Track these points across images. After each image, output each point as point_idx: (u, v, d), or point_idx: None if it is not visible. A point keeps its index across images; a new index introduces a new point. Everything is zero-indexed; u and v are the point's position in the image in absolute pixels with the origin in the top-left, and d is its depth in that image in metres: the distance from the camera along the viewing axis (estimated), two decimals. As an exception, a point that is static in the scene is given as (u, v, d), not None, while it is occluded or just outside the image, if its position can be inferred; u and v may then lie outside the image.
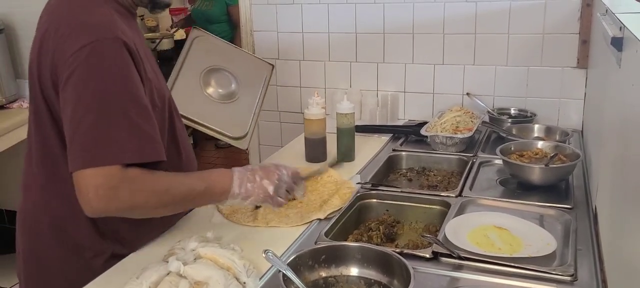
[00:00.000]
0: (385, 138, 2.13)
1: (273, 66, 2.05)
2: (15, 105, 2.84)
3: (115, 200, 1.10)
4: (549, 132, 2.04)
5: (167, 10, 4.57)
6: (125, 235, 1.30)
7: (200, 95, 1.80)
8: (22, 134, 2.65)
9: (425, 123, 2.09)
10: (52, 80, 1.15)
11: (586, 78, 2.13)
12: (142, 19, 5.43)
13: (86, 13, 1.15)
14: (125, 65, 1.12)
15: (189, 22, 4.94)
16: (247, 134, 1.82)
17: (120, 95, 1.11)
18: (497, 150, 1.70)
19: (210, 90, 1.83)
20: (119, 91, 1.11)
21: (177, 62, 1.81)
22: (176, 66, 1.79)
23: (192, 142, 4.64)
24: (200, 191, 1.23)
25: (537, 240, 1.28)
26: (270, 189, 1.31)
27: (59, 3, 1.21)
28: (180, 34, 5.18)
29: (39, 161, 1.25)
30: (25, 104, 2.82)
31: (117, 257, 1.28)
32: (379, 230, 1.45)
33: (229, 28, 4.55)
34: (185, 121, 1.55)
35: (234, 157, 4.77)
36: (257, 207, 1.47)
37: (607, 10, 1.42)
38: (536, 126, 2.07)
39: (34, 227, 1.28)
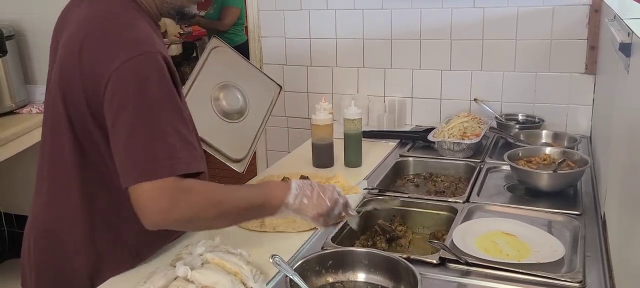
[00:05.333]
0: (392, 144, 2.12)
1: (281, 87, 1.97)
2: (25, 110, 2.85)
3: (175, 211, 1.07)
4: (557, 138, 2.03)
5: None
6: (142, 248, 1.30)
7: (208, 110, 1.73)
8: (31, 139, 2.66)
9: (432, 129, 2.09)
10: (87, 96, 1.13)
11: (594, 84, 2.12)
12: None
13: (126, 28, 1.14)
14: (168, 79, 1.12)
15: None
16: (246, 156, 1.76)
17: (168, 108, 1.10)
18: (505, 156, 1.70)
19: (218, 106, 1.77)
20: (166, 104, 1.10)
21: (193, 72, 1.75)
22: (191, 76, 1.74)
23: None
24: (259, 204, 1.18)
25: (545, 246, 1.27)
26: (325, 209, 1.21)
27: (92, 15, 1.17)
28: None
29: (70, 169, 1.21)
30: (35, 109, 2.84)
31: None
32: (382, 236, 1.45)
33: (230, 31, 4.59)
34: None
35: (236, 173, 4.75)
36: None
37: (615, 16, 1.41)
38: (544, 132, 2.06)
39: (58, 240, 1.25)
